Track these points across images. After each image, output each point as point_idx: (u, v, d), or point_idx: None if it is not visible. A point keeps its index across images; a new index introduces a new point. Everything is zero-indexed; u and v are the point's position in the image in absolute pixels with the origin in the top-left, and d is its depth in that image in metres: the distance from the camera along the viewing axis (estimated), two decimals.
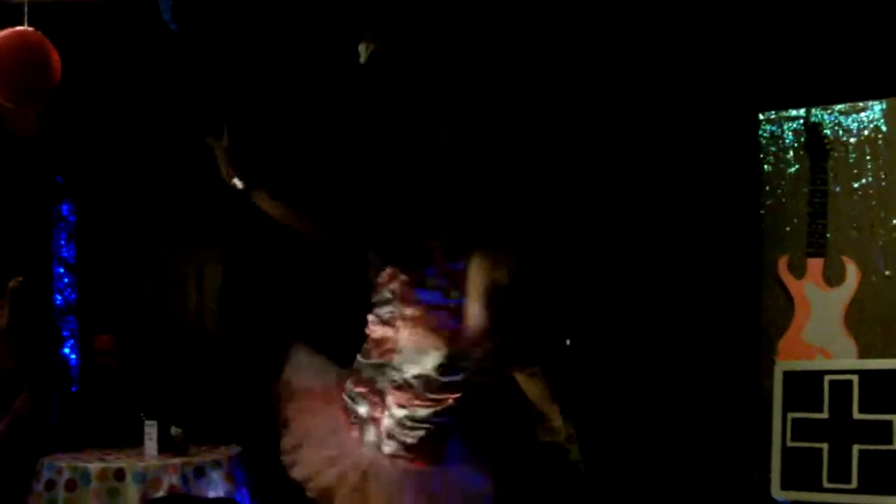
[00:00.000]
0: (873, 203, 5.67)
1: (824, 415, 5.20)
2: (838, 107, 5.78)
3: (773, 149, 5.95)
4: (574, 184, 6.06)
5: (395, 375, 3.21)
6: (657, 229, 6.00)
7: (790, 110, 5.91)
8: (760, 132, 5.97)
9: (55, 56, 4.65)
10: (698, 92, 5.93)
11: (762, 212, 5.89)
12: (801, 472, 5.18)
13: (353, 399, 3.31)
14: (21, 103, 4.74)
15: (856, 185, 5.71)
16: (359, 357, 3.38)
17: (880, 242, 5.60)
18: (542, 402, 4.70)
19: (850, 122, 5.76)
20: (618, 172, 6.09)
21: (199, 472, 4.88)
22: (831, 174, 5.72)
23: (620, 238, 6.02)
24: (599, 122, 6.11)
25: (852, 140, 5.74)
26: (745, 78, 5.83)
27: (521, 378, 4.66)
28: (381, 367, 3.28)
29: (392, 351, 3.26)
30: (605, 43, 5.86)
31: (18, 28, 4.61)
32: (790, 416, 5.28)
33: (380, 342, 3.30)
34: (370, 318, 3.37)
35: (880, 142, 5.67)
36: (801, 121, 5.88)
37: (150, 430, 5.15)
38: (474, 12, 5.11)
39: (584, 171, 6.09)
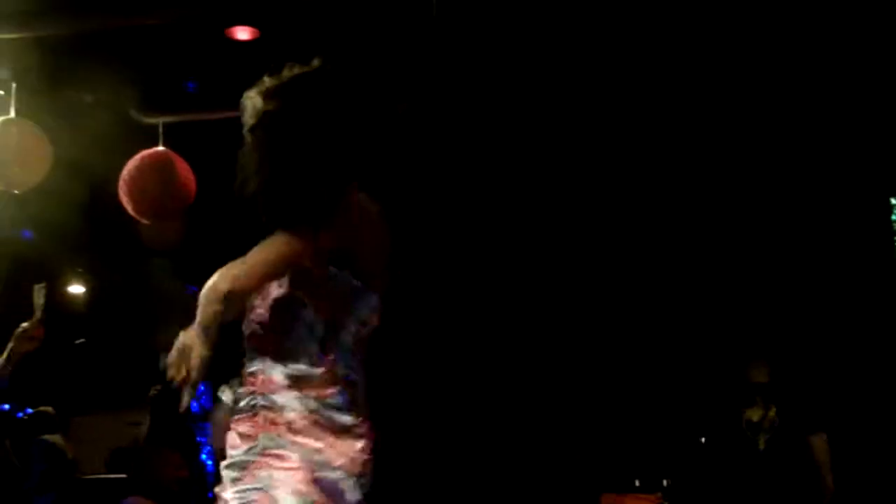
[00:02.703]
0: None
1: None
2: None
3: None
4: (712, 275, 6.03)
5: None
6: (792, 317, 5.89)
7: None
8: (893, 217, 5.86)
9: (189, 174, 4.84)
10: (830, 178, 5.85)
11: None
12: None
13: None
14: (157, 220, 4.93)
15: None
16: None
17: None
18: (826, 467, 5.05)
19: None
20: (751, 263, 6.05)
21: None
22: None
23: (758, 329, 5.94)
24: (735, 209, 6.11)
25: None
26: (876, 164, 5.74)
27: (816, 442, 5.10)
28: None
29: None
30: (742, 131, 5.84)
31: (153, 149, 4.82)
32: None
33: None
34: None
35: None
36: None
37: None
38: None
39: (722, 261, 6.08)
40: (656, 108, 5.39)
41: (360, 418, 2.28)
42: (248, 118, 2.30)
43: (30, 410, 6.95)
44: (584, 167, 5.96)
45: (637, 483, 5.95)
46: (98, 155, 4.94)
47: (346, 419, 2.25)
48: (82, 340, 6.68)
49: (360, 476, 2.26)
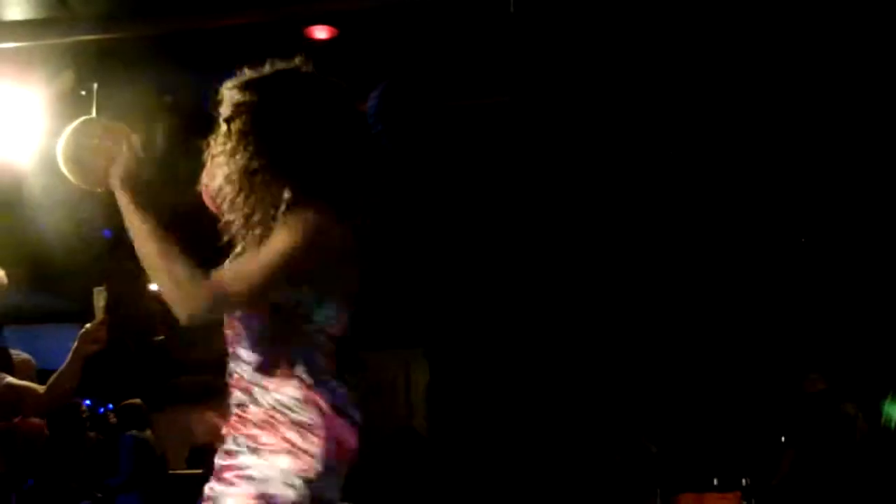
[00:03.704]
0: None
1: None
2: None
3: None
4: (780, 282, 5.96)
5: None
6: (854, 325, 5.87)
7: None
8: None
9: None
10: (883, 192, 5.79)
11: None
12: None
13: None
14: None
15: None
16: None
17: None
18: None
19: None
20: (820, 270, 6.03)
21: None
22: None
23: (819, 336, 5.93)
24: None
25: None
26: None
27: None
28: None
29: None
30: (803, 147, 5.77)
31: None
32: None
33: None
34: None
35: None
36: None
37: None
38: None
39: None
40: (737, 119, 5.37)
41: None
42: (223, 110, 2.19)
43: (111, 406, 7.05)
44: (667, 174, 5.94)
45: (716, 482, 5.91)
46: (177, 154, 4.99)
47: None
48: (162, 338, 6.77)
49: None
